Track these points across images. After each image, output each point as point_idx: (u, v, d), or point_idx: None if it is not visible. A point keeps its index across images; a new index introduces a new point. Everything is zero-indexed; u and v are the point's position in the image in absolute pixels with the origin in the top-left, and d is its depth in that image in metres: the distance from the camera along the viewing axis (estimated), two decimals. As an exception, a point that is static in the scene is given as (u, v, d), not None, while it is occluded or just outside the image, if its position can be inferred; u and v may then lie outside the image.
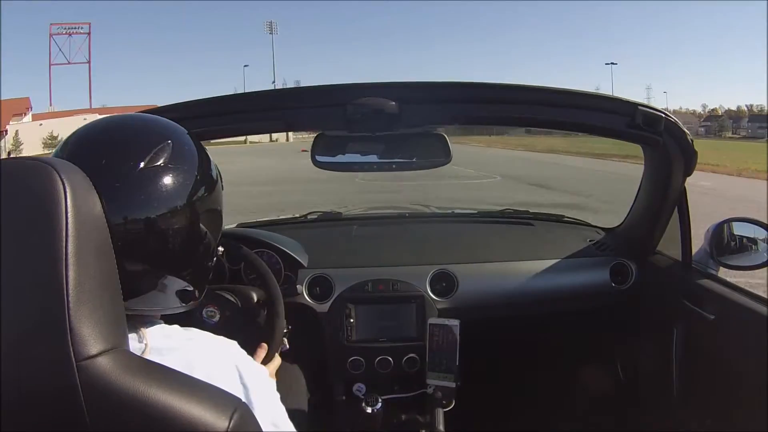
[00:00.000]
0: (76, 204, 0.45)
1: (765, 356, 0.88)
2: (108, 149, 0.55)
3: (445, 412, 1.16)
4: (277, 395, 0.69)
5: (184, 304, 0.62)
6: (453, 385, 1.18)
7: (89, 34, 51.91)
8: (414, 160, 1.07)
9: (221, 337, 0.63)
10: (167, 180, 0.56)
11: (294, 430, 0.68)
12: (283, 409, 0.67)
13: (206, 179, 0.61)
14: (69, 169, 0.48)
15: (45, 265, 0.43)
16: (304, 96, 0.95)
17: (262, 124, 0.96)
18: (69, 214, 0.44)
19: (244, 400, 0.54)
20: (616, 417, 1.45)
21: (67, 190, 0.45)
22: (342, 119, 0.93)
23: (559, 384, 1.63)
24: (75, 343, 0.42)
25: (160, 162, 0.56)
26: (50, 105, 48.27)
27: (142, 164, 0.54)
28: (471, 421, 1.37)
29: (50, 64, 51.30)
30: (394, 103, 0.92)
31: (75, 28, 51.64)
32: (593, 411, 1.55)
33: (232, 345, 0.64)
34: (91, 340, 0.43)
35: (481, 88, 0.98)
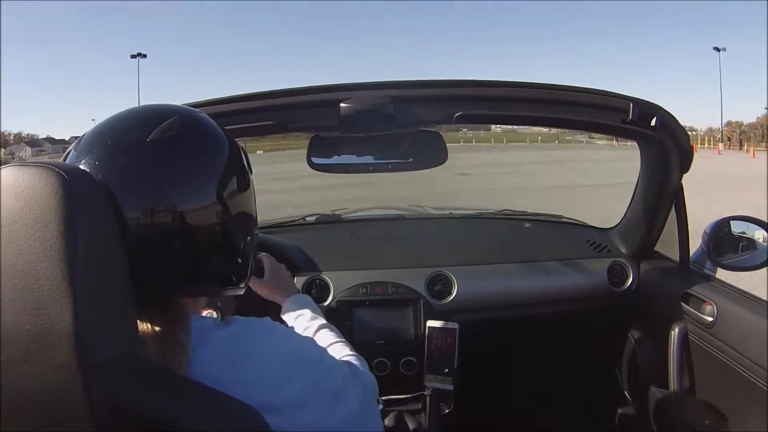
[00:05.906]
0: (87, 211, 0.44)
1: (763, 357, 0.88)
2: (114, 130, 0.54)
3: (443, 414, 1.15)
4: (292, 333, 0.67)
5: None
6: (451, 387, 1.17)
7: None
8: (411, 160, 1.06)
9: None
10: (178, 150, 0.53)
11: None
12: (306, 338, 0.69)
13: (232, 165, 0.57)
14: (78, 174, 0.47)
15: (54, 271, 0.42)
16: (296, 96, 0.94)
17: (253, 126, 0.95)
18: (80, 222, 0.43)
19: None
20: (615, 418, 1.44)
21: (77, 196, 0.44)
22: (336, 120, 0.92)
23: (557, 386, 1.63)
24: (82, 350, 0.42)
25: (170, 134, 0.53)
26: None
27: (150, 136, 0.52)
28: (469, 424, 1.37)
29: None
30: (389, 102, 0.92)
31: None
32: (592, 412, 1.55)
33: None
34: (98, 346, 0.43)
35: (476, 86, 0.97)
